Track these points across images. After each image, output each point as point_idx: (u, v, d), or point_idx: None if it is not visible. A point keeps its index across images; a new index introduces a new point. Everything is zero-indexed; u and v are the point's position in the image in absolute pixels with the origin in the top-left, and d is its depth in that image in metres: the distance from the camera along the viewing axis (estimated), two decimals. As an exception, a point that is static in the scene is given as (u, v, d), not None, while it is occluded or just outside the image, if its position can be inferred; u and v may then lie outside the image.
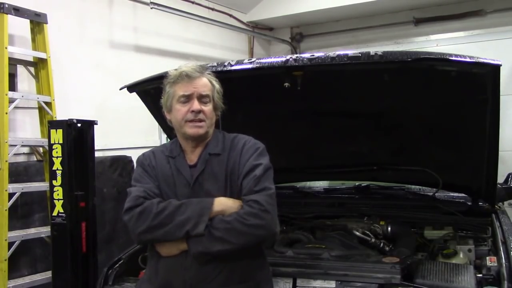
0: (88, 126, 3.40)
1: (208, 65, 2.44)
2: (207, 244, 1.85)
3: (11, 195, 3.55)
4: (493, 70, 2.21)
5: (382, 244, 2.75)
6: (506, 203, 3.64)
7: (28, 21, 3.86)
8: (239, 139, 2.06)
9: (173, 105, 2.00)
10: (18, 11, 3.68)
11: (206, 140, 2.04)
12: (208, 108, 1.99)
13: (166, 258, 1.94)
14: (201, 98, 1.97)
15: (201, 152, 2.03)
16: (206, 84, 2.01)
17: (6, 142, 3.52)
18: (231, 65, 2.47)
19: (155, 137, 5.28)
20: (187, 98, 1.96)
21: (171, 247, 1.91)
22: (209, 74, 2.05)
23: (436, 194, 3.24)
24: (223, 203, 1.91)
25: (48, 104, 3.91)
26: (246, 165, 1.96)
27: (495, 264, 2.33)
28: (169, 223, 1.86)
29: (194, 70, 1.99)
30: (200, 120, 1.97)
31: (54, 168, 3.30)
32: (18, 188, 3.63)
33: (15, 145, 3.66)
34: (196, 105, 1.96)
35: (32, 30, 3.91)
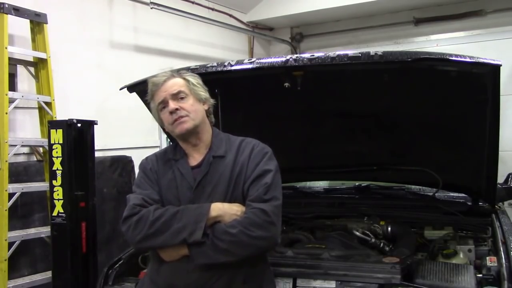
0: (88, 126, 3.40)
1: (208, 65, 2.45)
2: (212, 256, 1.84)
3: (11, 195, 3.55)
4: (493, 70, 2.21)
5: (382, 244, 2.75)
6: (506, 203, 3.64)
7: (28, 21, 3.86)
8: (247, 142, 2.04)
9: (160, 116, 2.03)
10: (18, 11, 3.68)
11: (199, 134, 2.02)
12: (187, 103, 1.98)
13: (169, 261, 1.93)
14: (174, 96, 1.98)
15: (205, 155, 2.02)
16: (176, 82, 2.00)
17: (6, 142, 3.52)
18: (231, 65, 2.47)
19: (155, 137, 5.27)
20: (164, 104, 1.98)
21: (171, 253, 1.90)
22: (185, 73, 2.06)
23: (436, 194, 3.24)
24: (220, 208, 1.89)
25: (48, 104, 3.91)
26: (255, 170, 1.94)
27: (495, 264, 2.32)
28: (166, 230, 1.85)
29: (160, 76, 2.01)
30: (182, 116, 1.96)
31: (54, 168, 3.31)
32: (18, 188, 3.63)
33: (15, 145, 3.66)
34: (170, 105, 1.97)
35: (32, 30, 3.91)
